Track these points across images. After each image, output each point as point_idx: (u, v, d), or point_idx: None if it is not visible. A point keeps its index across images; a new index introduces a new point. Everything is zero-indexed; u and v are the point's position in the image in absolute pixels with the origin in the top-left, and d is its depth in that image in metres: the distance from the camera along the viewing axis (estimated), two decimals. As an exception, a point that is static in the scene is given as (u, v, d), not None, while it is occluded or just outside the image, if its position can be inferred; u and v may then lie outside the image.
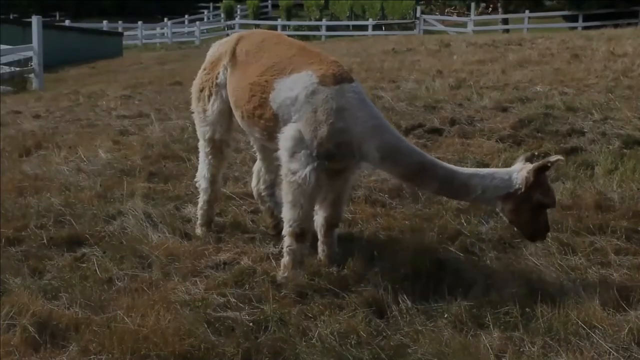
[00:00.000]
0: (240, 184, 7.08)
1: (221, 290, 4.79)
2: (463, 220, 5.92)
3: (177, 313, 4.45)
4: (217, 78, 5.55)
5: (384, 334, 4.30)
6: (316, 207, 5.23)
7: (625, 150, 7.79)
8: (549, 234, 5.08)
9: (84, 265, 5.34)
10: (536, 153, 5.15)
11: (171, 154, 8.29)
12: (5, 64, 19.67)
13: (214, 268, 5.22)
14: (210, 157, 5.78)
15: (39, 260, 5.39)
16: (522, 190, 4.65)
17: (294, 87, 4.95)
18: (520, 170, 4.70)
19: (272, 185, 5.88)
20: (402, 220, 5.99)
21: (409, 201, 6.45)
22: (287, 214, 4.99)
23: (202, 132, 5.75)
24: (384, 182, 6.97)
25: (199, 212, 5.95)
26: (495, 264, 5.00)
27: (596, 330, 4.19)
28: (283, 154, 4.95)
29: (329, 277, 4.93)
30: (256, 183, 5.96)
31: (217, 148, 5.77)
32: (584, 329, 4.20)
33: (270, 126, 5.09)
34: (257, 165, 5.97)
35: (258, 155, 5.97)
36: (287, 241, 5.03)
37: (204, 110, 5.67)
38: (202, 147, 5.81)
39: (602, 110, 9.44)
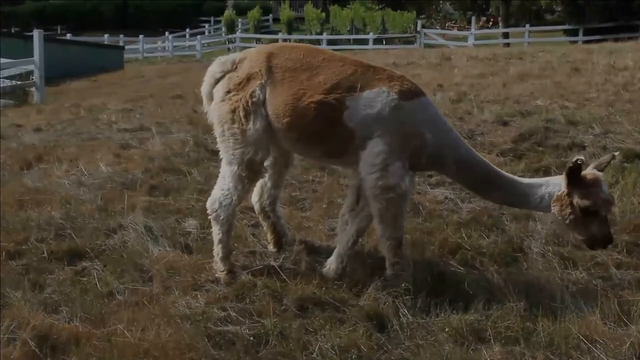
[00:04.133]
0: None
1: (222, 304, 4.79)
2: (464, 234, 5.92)
3: (178, 327, 4.44)
4: (252, 97, 5.19)
5: (385, 348, 4.29)
6: (349, 218, 5.38)
7: (626, 164, 7.79)
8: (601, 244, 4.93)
9: (84, 278, 5.33)
10: (615, 154, 5.33)
11: (172, 167, 8.29)
12: (6, 77, 19.69)
13: (214, 282, 5.21)
14: (245, 181, 5.32)
15: (40, 273, 5.39)
16: (565, 194, 4.84)
17: (372, 103, 5.00)
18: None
19: (276, 200, 5.85)
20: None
21: (409, 215, 6.44)
22: (386, 230, 5.09)
23: (240, 154, 5.24)
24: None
25: (219, 248, 5.41)
26: (496, 278, 4.99)
27: (597, 345, 4.18)
28: (371, 170, 5.00)
29: (330, 291, 4.92)
30: (259, 197, 5.85)
31: (256, 170, 5.36)
32: (585, 343, 4.19)
33: (341, 145, 5.11)
34: (264, 180, 5.78)
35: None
36: (391, 258, 5.11)
37: (243, 131, 5.19)
38: (234, 172, 5.28)
39: (603, 124, 9.45)
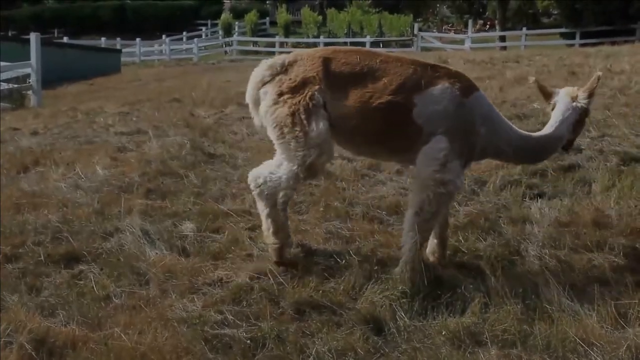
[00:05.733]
0: (238, 201, 7.08)
1: (218, 308, 4.79)
2: (461, 237, 5.93)
3: (175, 330, 4.44)
4: (312, 99, 5.16)
5: (382, 352, 4.29)
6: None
7: (622, 167, 7.80)
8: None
9: (81, 282, 5.33)
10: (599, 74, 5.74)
11: (169, 170, 8.29)
12: (3, 81, 19.69)
13: (211, 285, 5.21)
14: (300, 181, 5.42)
15: (36, 277, 5.39)
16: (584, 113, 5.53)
17: (438, 100, 5.15)
18: (574, 100, 5.49)
19: (288, 201, 5.82)
20: (399, 237, 5.97)
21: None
22: (420, 225, 5.17)
23: (302, 156, 5.18)
24: (381, 199, 6.99)
25: (268, 222, 5.47)
26: (492, 281, 4.99)
27: (594, 348, 4.18)
28: (431, 163, 5.11)
29: (327, 294, 4.92)
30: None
31: (316, 173, 5.41)
32: (582, 346, 4.20)
33: (408, 142, 5.22)
34: None
35: None
36: (408, 255, 5.18)
37: (306, 133, 5.13)
38: (292, 169, 5.26)
39: (600, 127, 9.45)
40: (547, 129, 5.53)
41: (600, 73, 5.65)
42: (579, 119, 5.51)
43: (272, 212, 5.44)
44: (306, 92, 5.20)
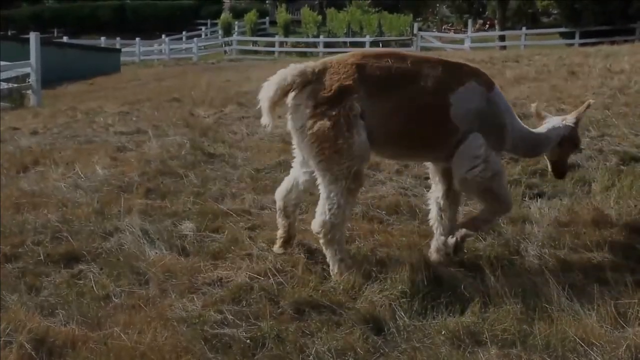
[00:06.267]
0: (237, 201, 7.08)
1: (218, 307, 4.77)
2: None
3: (174, 330, 4.44)
4: (352, 110, 5.03)
5: (382, 351, 4.29)
6: (447, 203, 5.73)
7: (622, 167, 7.81)
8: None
9: (80, 281, 5.33)
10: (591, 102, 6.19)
11: (169, 170, 8.29)
12: (3, 80, 19.69)
13: (211, 285, 5.20)
14: (353, 193, 5.25)
15: (36, 276, 5.38)
16: (571, 131, 5.78)
17: (470, 98, 5.31)
18: (563, 120, 5.81)
19: (300, 202, 5.90)
20: (399, 237, 5.99)
21: (406, 217, 6.45)
22: (499, 206, 5.54)
23: (346, 168, 5.07)
24: (381, 198, 6.99)
25: (342, 267, 5.23)
26: (492, 281, 4.99)
27: (594, 347, 4.18)
28: (474, 162, 5.28)
29: (327, 293, 4.92)
30: (286, 194, 5.70)
31: (361, 181, 5.30)
32: (581, 346, 4.19)
33: (446, 142, 5.33)
34: (296, 180, 5.68)
35: (300, 171, 5.65)
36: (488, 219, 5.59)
37: (350, 145, 5.01)
38: (342, 187, 5.11)
39: (599, 127, 9.46)
40: (541, 129, 5.84)
41: (592, 101, 6.17)
42: (567, 136, 5.77)
43: (344, 256, 5.28)
44: (344, 102, 5.02)
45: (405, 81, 5.21)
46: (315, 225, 5.24)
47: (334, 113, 5.01)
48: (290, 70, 5.13)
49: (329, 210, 5.14)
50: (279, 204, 5.78)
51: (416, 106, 5.19)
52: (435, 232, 5.70)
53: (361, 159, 5.13)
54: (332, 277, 5.21)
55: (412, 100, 5.19)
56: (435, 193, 5.76)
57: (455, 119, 5.23)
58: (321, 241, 5.28)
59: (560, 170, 6.09)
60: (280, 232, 5.81)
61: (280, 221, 5.80)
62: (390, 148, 5.52)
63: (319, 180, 5.21)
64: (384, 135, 5.22)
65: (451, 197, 5.71)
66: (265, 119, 5.27)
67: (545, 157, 6.12)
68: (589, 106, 5.89)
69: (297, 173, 5.67)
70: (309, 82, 5.12)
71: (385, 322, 4.55)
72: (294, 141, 5.39)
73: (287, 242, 5.76)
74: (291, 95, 5.18)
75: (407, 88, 5.20)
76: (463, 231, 5.44)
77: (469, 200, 6.83)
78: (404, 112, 5.19)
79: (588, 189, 7.12)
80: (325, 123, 5.01)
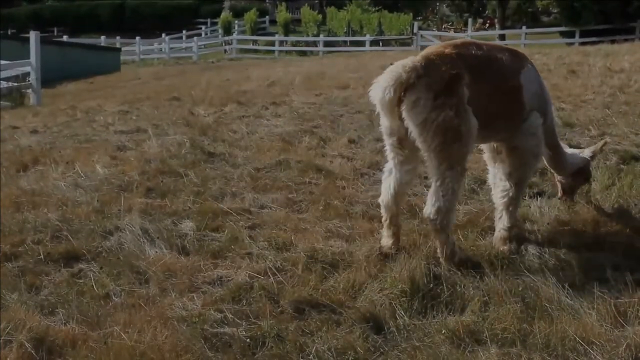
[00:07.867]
0: (237, 200, 7.07)
1: (218, 306, 4.77)
2: (460, 236, 5.91)
3: (174, 329, 4.44)
4: (463, 97, 5.16)
5: (382, 350, 4.29)
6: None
7: (622, 166, 7.81)
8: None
9: (80, 280, 5.32)
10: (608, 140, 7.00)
11: (168, 169, 8.29)
12: (3, 79, 19.69)
13: (210, 284, 5.20)
14: (463, 179, 5.57)
15: (36, 275, 5.37)
16: (587, 164, 6.44)
17: (532, 80, 5.77)
18: (581, 153, 6.51)
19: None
20: (399, 236, 5.98)
21: (406, 217, 6.45)
22: (521, 187, 5.89)
23: (463, 154, 5.29)
24: (381, 197, 6.98)
25: (452, 249, 5.38)
26: (492, 280, 4.99)
27: (594, 346, 4.18)
28: (532, 140, 5.74)
29: (327, 292, 4.92)
30: (394, 199, 5.62)
31: (466, 164, 5.49)
32: (581, 345, 4.19)
33: (519, 121, 5.70)
34: (398, 180, 5.60)
35: (402, 170, 5.60)
36: (512, 216, 5.83)
37: (468, 130, 5.20)
38: (456, 172, 5.25)
39: (600, 126, 9.47)
40: (566, 149, 6.46)
41: (608, 139, 6.85)
42: (582, 167, 6.43)
43: (452, 239, 5.45)
44: (458, 89, 5.16)
45: (489, 67, 5.54)
46: (431, 212, 5.28)
47: (452, 103, 5.13)
48: (403, 68, 5.12)
49: (444, 196, 5.23)
50: (392, 210, 5.68)
51: (504, 88, 5.55)
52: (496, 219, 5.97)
53: (473, 142, 5.45)
54: (442, 261, 5.35)
55: (502, 83, 5.57)
56: (498, 175, 5.99)
57: (525, 99, 5.63)
58: (435, 227, 5.35)
59: (570, 199, 6.60)
60: (391, 229, 5.73)
61: (391, 218, 5.72)
62: (481, 130, 5.42)
63: (433, 170, 5.27)
64: (483, 118, 5.34)
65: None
66: (387, 121, 5.43)
67: (558, 183, 6.62)
68: (605, 144, 6.57)
69: (398, 174, 5.59)
70: (421, 76, 5.13)
71: (385, 321, 4.55)
72: (413, 136, 5.23)
73: (399, 237, 5.76)
74: (408, 91, 5.14)
75: (496, 72, 5.56)
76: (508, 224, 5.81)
77: (469, 200, 6.83)
78: (498, 94, 5.52)
79: (588, 188, 7.11)
80: (449, 113, 5.11)
